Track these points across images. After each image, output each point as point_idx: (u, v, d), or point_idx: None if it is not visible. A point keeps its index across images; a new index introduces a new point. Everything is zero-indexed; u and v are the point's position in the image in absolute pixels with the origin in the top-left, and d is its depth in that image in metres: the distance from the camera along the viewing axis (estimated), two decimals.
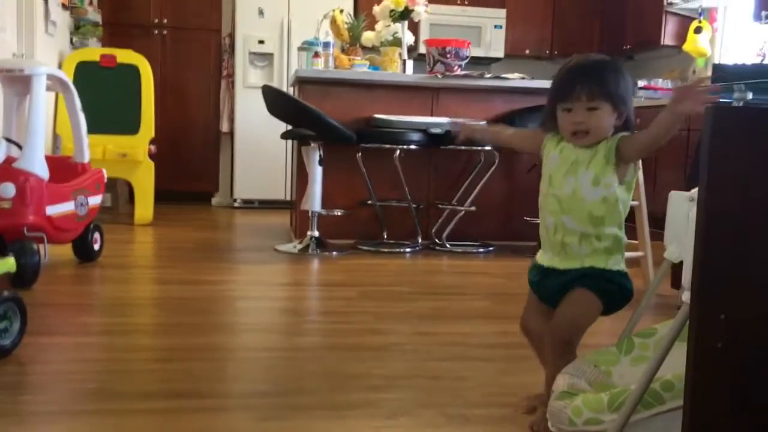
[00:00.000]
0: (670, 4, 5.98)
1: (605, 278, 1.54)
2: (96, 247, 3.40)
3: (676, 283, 2.85)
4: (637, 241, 3.16)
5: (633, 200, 3.10)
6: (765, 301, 0.89)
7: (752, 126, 0.86)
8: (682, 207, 1.44)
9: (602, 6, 7.02)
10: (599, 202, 1.53)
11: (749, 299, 0.89)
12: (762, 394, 0.90)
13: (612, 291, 1.55)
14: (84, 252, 3.34)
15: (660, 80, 6.06)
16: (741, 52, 5.44)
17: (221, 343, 2.20)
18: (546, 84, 4.30)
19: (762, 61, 4.94)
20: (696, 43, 5.61)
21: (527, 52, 6.97)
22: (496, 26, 6.75)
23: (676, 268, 2.92)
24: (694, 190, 1.48)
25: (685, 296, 1.03)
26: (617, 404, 1.16)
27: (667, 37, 6.06)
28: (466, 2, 6.74)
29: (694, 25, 5.66)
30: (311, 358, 2.08)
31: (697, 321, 0.89)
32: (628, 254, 3.04)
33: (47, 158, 2.97)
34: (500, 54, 6.79)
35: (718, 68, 3.79)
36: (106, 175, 3.48)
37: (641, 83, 6.03)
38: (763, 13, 4.68)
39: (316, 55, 4.13)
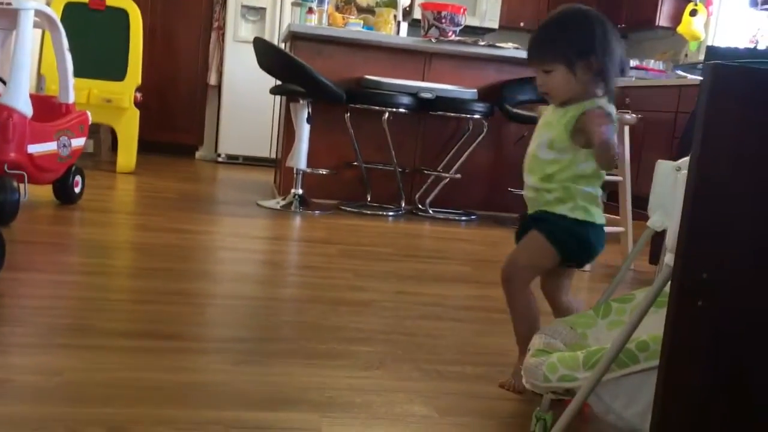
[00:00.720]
0: None
1: (557, 223, 1.57)
2: (77, 190, 3.37)
3: (654, 259, 2.88)
4: (618, 217, 3.19)
5: (617, 176, 3.12)
6: (746, 263, 0.90)
7: (751, 86, 0.86)
8: (669, 176, 1.45)
9: None
10: (550, 162, 1.57)
11: (732, 260, 0.90)
12: (739, 354, 0.91)
13: (563, 237, 1.57)
14: (64, 194, 3.30)
15: (652, 61, 6.07)
16: (735, 38, 5.45)
17: (200, 289, 2.20)
18: None
19: (755, 46, 4.95)
20: (690, 25, 5.62)
21: (522, 24, 6.93)
22: None
23: (655, 248, 2.96)
24: (682, 160, 1.49)
25: (668, 258, 1.04)
26: (592, 362, 1.18)
27: (663, 18, 6.05)
28: None
29: (689, 7, 5.65)
30: (290, 308, 2.08)
31: (680, 279, 0.90)
32: (609, 229, 3.07)
33: (31, 96, 2.92)
34: (495, 25, 6.76)
35: (711, 50, 3.79)
36: (90, 118, 3.43)
37: (633, 63, 6.04)
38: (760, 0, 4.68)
39: (310, 11, 4.07)
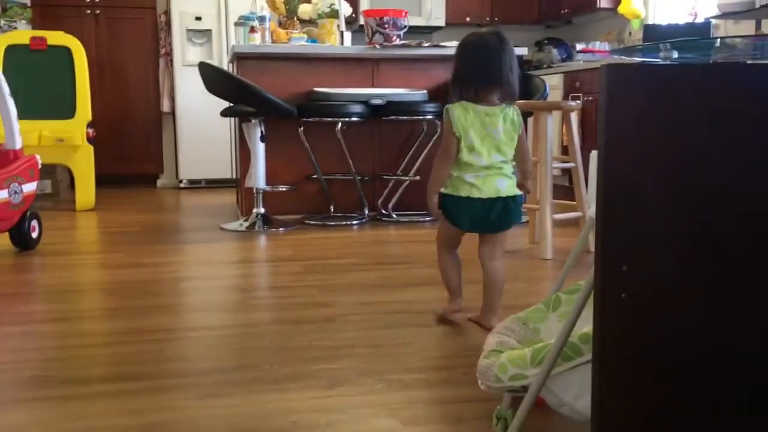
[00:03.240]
0: None
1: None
2: (34, 235, 3.33)
3: None
4: (575, 203, 3.24)
5: (569, 162, 3.17)
6: (663, 253, 0.93)
7: (646, 84, 0.89)
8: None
9: None
10: None
11: (648, 252, 0.93)
12: (664, 343, 0.94)
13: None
14: (21, 241, 3.27)
15: (597, 43, 6.15)
16: (674, 13, 5.55)
17: (162, 324, 2.19)
18: None
19: (694, 20, 5.05)
20: (630, 5, 5.70)
21: (468, 19, 6.98)
22: None
23: None
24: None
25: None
26: (539, 359, 1.21)
27: (603, 0, 6.13)
28: None
29: None
30: (254, 333, 2.09)
31: (601, 273, 0.93)
32: (566, 215, 3.12)
33: None
34: (441, 22, 6.80)
35: (650, 29, 3.86)
36: (40, 161, 3.40)
37: (579, 46, 6.12)
38: None
39: (253, 29, 4.07)
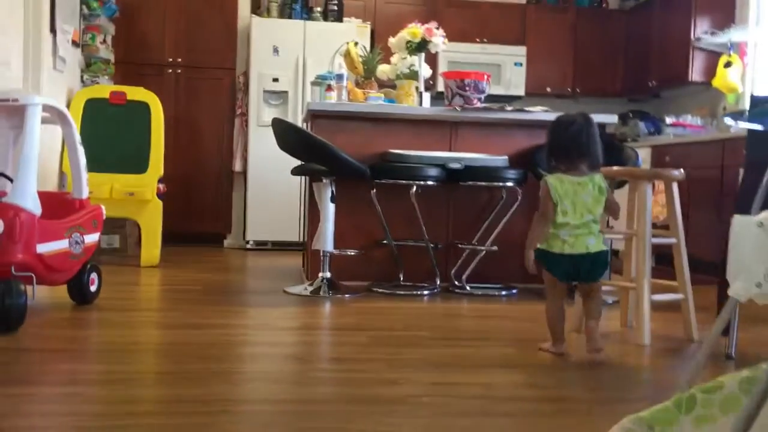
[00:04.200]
0: (698, 39, 5.79)
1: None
2: (93, 288, 3.20)
3: (727, 331, 2.57)
4: (675, 283, 2.89)
5: (671, 237, 2.85)
6: None
7: None
8: (750, 234, 1.20)
9: (625, 42, 6.86)
10: None
11: None
12: None
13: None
14: (79, 293, 3.13)
15: (689, 116, 5.83)
16: None
17: (217, 394, 1.96)
18: None
19: None
20: (726, 78, 5.40)
21: (548, 90, 6.79)
22: (516, 63, 6.60)
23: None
24: (764, 213, 1.24)
25: None
26: None
27: (695, 73, 5.85)
28: (485, 39, 6.61)
29: (723, 59, 5.45)
30: (313, 412, 1.83)
31: None
32: (666, 296, 2.78)
33: (41, 194, 2.79)
34: (521, 92, 6.63)
35: (755, 100, 3.55)
36: (104, 212, 3.29)
37: (669, 120, 5.82)
38: None
39: (329, 88, 3.96)
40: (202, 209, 6.11)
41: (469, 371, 2.26)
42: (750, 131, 3.40)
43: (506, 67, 6.55)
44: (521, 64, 6.59)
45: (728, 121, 4.44)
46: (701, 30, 5.78)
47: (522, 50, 6.62)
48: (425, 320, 3.14)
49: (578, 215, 2.40)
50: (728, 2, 5.79)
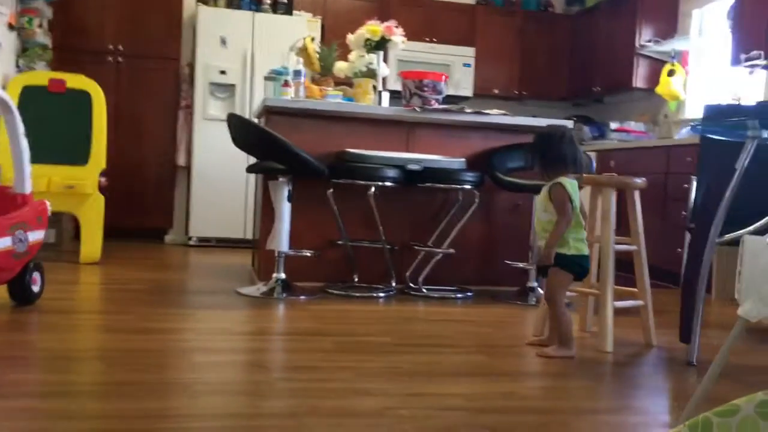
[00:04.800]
0: (642, 46, 5.93)
1: (562, 259, 2.61)
2: (35, 288, 3.01)
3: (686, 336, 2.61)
4: (635, 290, 2.93)
5: (631, 245, 2.88)
6: None
7: None
8: (762, 255, 1.20)
9: (571, 47, 6.97)
10: (547, 221, 2.64)
11: None
12: None
13: (569, 265, 2.62)
14: (21, 294, 2.94)
15: (633, 123, 5.97)
16: (713, 96, 5.37)
17: (176, 408, 1.85)
18: (527, 121, 4.12)
19: (738, 103, 4.85)
20: (669, 86, 5.55)
21: (496, 91, 6.85)
22: (464, 64, 6.63)
23: (685, 320, 2.68)
24: None
25: None
26: None
27: (639, 80, 5.99)
28: (434, 39, 6.60)
29: (667, 68, 5.60)
30: (289, 428, 1.75)
31: None
32: (626, 303, 2.80)
33: None
34: (469, 93, 6.66)
35: (709, 108, 3.63)
36: (50, 208, 3.11)
37: (614, 125, 5.94)
38: (742, 56, 4.61)
39: (286, 84, 3.85)
40: (142, 204, 5.88)
41: (443, 380, 2.22)
42: (703, 141, 3.48)
43: (455, 68, 6.56)
44: (470, 65, 6.62)
45: (688, 131, 4.55)
46: (645, 38, 5.92)
47: (471, 51, 6.65)
48: (386, 324, 3.08)
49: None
50: (671, 12, 5.95)
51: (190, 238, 5.85)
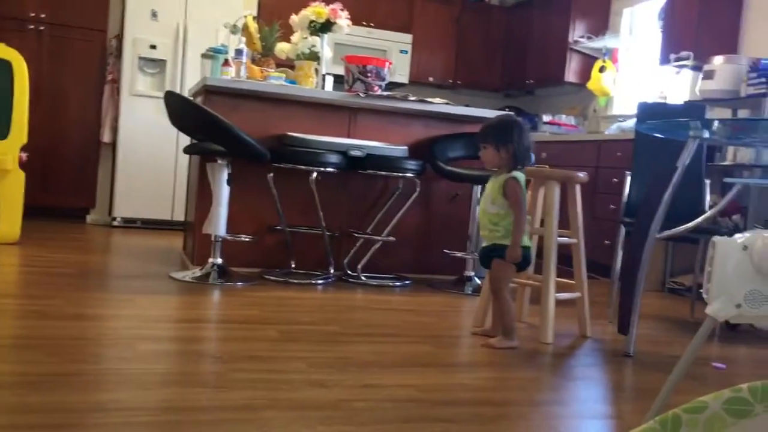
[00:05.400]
0: (575, 42, 6.06)
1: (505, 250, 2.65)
2: None
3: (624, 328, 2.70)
4: (573, 282, 3.00)
5: (571, 238, 2.95)
6: None
7: None
8: (733, 256, 1.23)
9: (505, 39, 7.06)
10: (495, 213, 2.66)
11: None
12: None
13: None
14: None
15: (563, 116, 6.11)
16: (641, 93, 5.56)
17: (123, 401, 1.76)
18: (469, 111, 4.14)
19: (665, 101, 5.04)
20: (600, 81, 5.71)
21: (431, 79, 6.87)
22: (401, 51, 6.62)
23: (622, 313, 2.76)
24: (746, 236, 1.28)
25: None
26: None
27: (571, 75, 6.13)
28: (372, 24, 6.55)
29: (598, 64, 5.75)
30: (247, 420, 1.69)
31: None
32: (563, 295, 2.86)
33: None
34: (405, 80, 6.65)
35: (642, 106, 3.76)
36: None
37: (546, 118, 6.07)
38: (672, 56, 4.78)
39: (226, 63, 3.73)
40: (63, 181, 5.61)
41: (395, 371, 2.21)
42: (637, 138, 3.60)
43: (392, 54, 6.54)
44: (407, 52, 6.61)
45: (618, 127, 4.67)
46: (578, 34, 6.06)
47: (408, 38, 6.64)
48: (329, 313, 3.05)
49: None
50: (604, 10, 6.11)
51: (113, 219, 5.62)
